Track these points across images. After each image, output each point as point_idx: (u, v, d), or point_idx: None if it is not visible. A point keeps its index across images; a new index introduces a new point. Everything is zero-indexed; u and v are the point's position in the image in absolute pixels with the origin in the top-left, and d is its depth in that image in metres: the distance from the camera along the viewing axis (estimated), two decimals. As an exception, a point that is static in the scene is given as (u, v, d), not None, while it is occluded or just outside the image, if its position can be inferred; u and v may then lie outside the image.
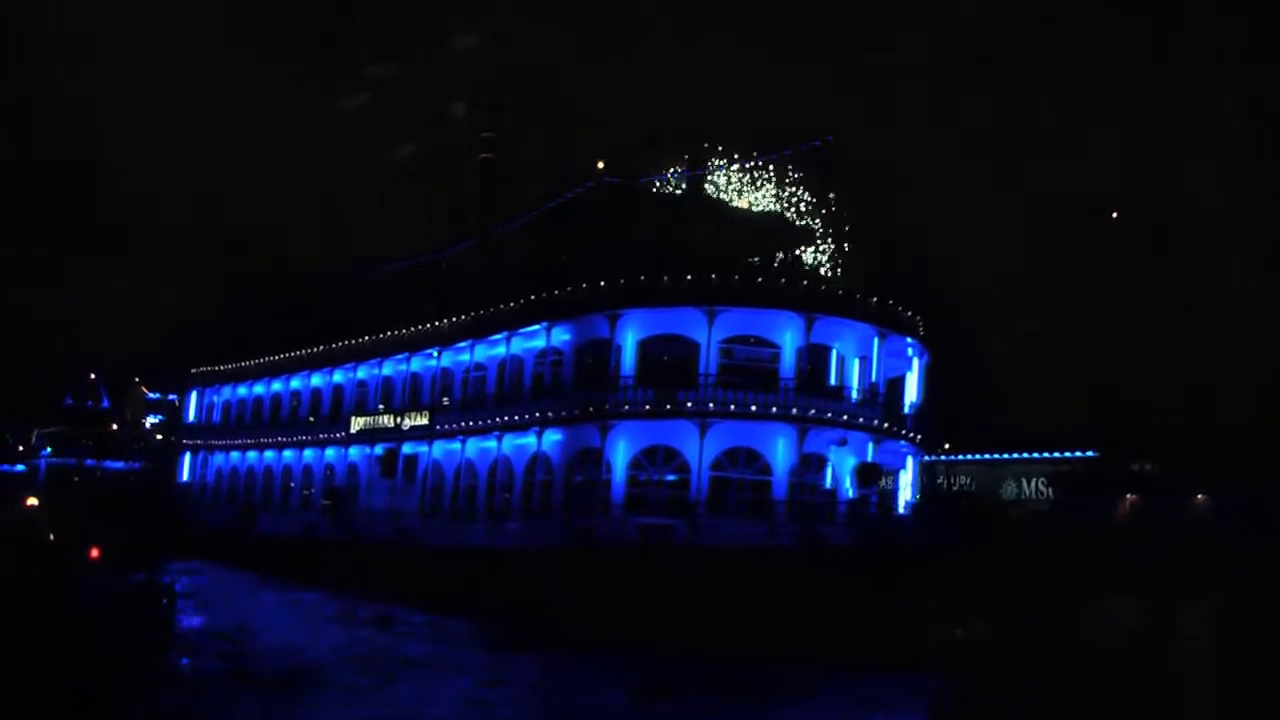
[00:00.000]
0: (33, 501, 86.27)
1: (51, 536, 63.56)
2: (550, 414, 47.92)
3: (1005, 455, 70.33)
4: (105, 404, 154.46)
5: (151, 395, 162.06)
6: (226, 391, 75.80)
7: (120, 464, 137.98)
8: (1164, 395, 65.85)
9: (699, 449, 44.25)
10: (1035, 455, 69.52)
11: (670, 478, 45.53)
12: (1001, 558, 36.64)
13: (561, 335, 48.86)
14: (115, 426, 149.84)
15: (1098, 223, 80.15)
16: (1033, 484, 69.87)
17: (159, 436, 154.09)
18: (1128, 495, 65.73)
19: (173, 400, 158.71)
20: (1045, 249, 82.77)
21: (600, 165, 53.53)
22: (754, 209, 52.60)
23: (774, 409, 44.70)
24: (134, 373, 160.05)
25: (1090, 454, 64.42)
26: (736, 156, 52.84)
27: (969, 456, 69.87)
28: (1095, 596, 47.75)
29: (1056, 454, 67.92)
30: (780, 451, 45.28)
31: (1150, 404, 64.88)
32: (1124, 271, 76.04)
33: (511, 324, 50.64)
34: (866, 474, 45.11)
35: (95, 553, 60.52)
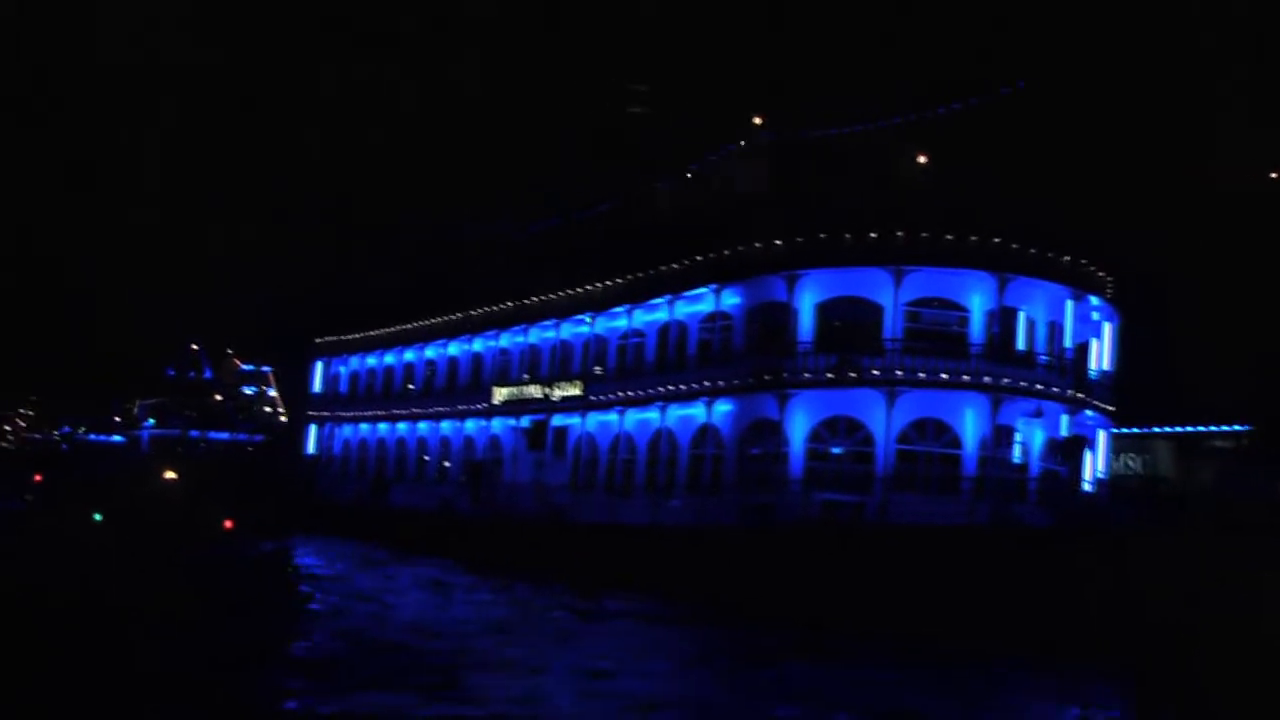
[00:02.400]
0: (171, 475, 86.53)
1: (190, 509, 63.76)
2: (721, 383, 45.18)
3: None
4: (207, 374, 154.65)
5: (245, 367, 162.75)
6: (354, 362, 73.96)
7: (224, 435, 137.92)
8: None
9: (885, 420, 41.44)
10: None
11: (851, 450, 42.64)
12: (1198, 539, 33.76)
13: (731, 298, 46.10)
14: (219, 397, 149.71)
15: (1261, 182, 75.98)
16: (1120, 460, 66.41)
17: (265, 408, 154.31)
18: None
19: (266, 372, 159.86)
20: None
21: (757, 121, 50.61)
22: (929, 164, 49.37)
23: (965, 377, 41.70)
24: (227, 344, 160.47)
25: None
26: (910, 108, 49.71)
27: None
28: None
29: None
30: (969, 423, 42.33)
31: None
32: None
33: (674, 286, 47.94)
34: (1071, 447, 42.07)
35: (228, 524, 60.72)
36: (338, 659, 28.01)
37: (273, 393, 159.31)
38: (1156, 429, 66.82)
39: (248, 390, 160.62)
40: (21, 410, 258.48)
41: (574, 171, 60.76)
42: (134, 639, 28.79)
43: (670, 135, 57.78)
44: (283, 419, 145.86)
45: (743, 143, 51.35)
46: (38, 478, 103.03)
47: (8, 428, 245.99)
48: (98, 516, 62.47)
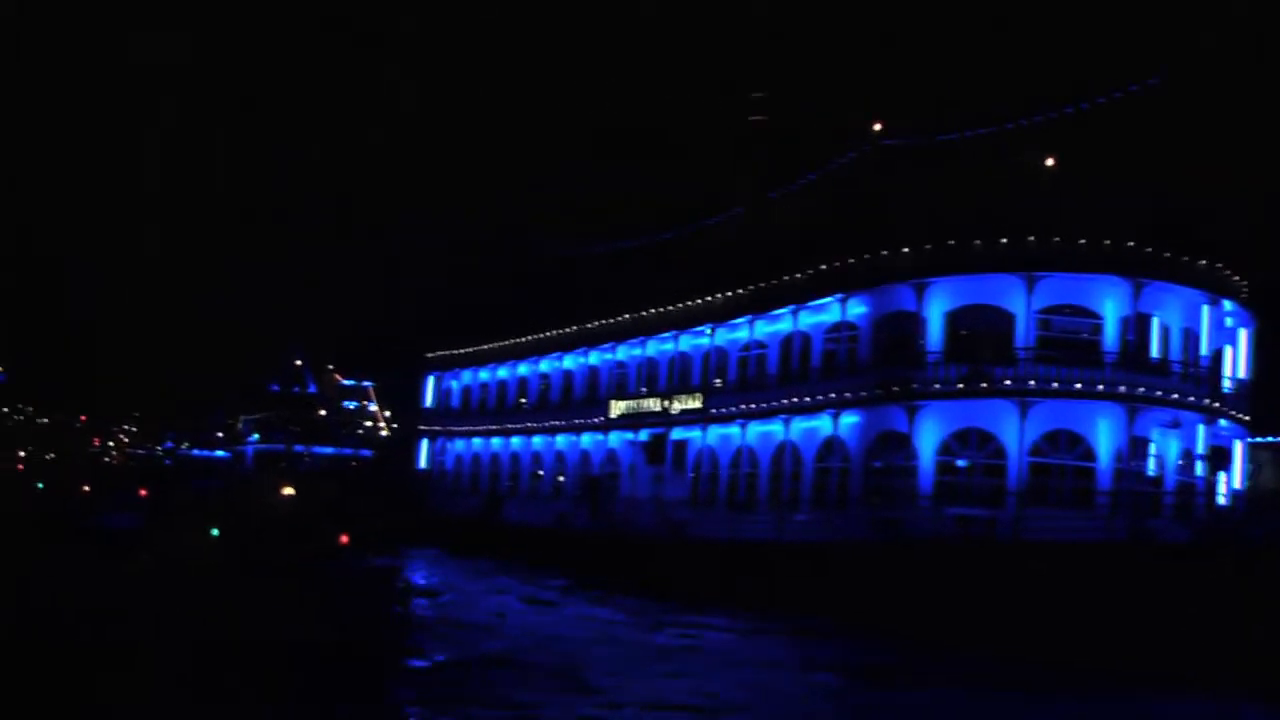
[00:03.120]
0: (289, 491, 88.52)
1: (306, 525, 65.35)
2: (847, 394, 44.83)
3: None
4: (311, 389, 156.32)
5: (345, 382, 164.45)
6: (466, 376, 74.53)
7: (329, 449, 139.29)
8: None
9: (1018, 432, 40.78)
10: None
11: (982, 463, 42.02)
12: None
13: (857, 307, 45.79)
14: (323, 412, 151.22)
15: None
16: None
17: (365, 422, 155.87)
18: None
19: (366, 386, 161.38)
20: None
21: (877, 127, 50.11)
22: (1056, 166, 48.54)
23: (1100, 386, 40.87)
24: (327, 359, 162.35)
25: None
26: (1035, 110, 48.82)
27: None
28: None
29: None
30: (1103, 434, 41.45)
31: None
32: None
33: (797, 297, 47.72)
34: (1218, 459, 41.25)
35: (344, 539, 62.24)
36: (450, 673, 28.50)
37: (373, 407, 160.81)
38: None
39: (349, 405, 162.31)
40: (125, 426, 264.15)
41: (694, 181, 60.65)
42: (257, 653, 29.50)
43: (790, 143, 57.32)
44: (383, 434, 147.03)
45: (864, 149, 50.90)
46: (143, 492, 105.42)
47: (110, 444, 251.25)
48: (215, 532, 63.86)
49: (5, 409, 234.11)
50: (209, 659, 28.31)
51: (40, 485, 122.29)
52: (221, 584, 45.71)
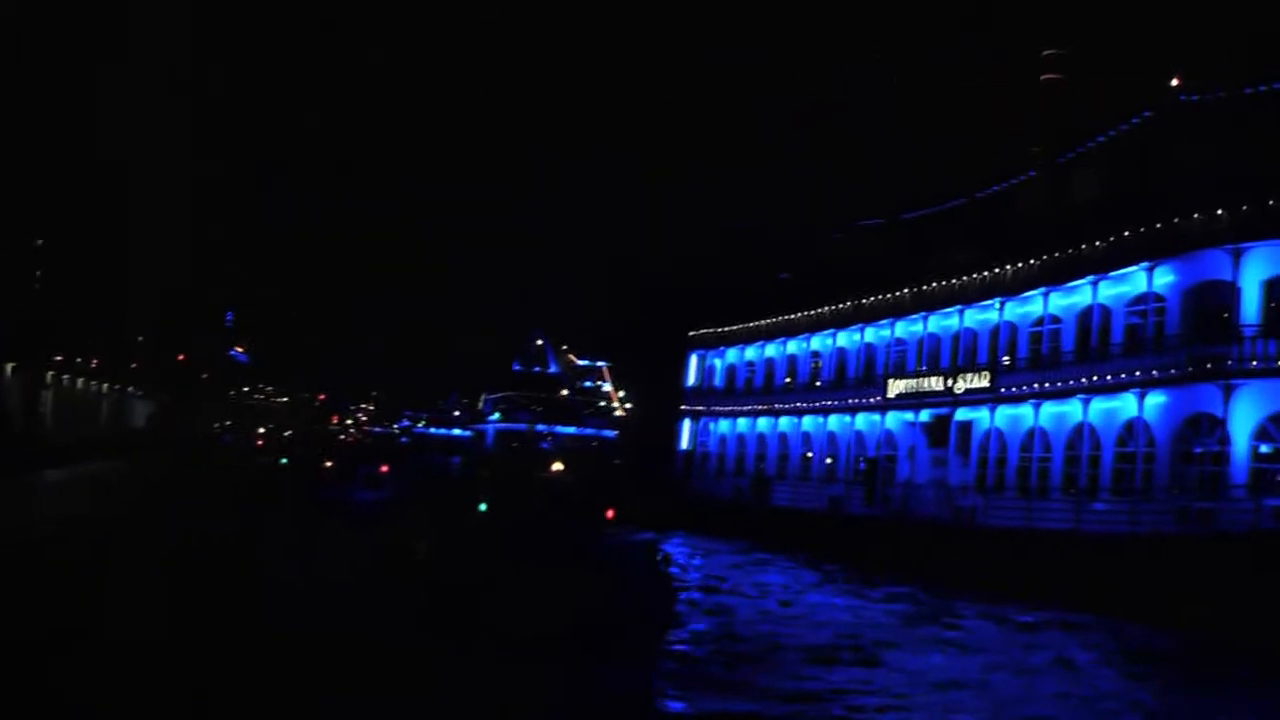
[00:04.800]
0: (558, 466, 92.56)
1: (575, 500, 68.62)
2: (1154, 372, 43.66)
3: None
4: (553, 369, 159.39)
5: (581, 361, 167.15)
6: (732, 354, 75.26)
7: (571, 429, 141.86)
8: None
9: (1341, 415, 39.35)
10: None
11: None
12: None
13: (1164, 277, 44.58)
14: (566, 392, 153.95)
15: None
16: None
17: (600, 403, 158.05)
18: None
19: (601, 366, 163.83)
20: None
21: (1175, 83, 48.62)
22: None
23: None
24: (563, 338, 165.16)
25: None
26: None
27: None
28: None
29: None
30: None
31: None
32: None
33: (1096, 267, 46.62)
34: None
35: (611, 514, 65.33)
36: (713, 651, 29.37)
37: (607, 387, 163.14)
38: None
39: (586, 384, 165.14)
40: (362, 405, 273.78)
41: (979, 145, 59.91)
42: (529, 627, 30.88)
43: (1083, 101, 56.03)
44: (618, 413, 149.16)
45: (1164, 106, 49.44)
46: (384, 469, 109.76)
47: (348, 422, 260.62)
48: (481, 507, 66.97)
49: (247, 389, 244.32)
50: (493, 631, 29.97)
51: (284, 461, 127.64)
52: (495, 558, 47.68)
